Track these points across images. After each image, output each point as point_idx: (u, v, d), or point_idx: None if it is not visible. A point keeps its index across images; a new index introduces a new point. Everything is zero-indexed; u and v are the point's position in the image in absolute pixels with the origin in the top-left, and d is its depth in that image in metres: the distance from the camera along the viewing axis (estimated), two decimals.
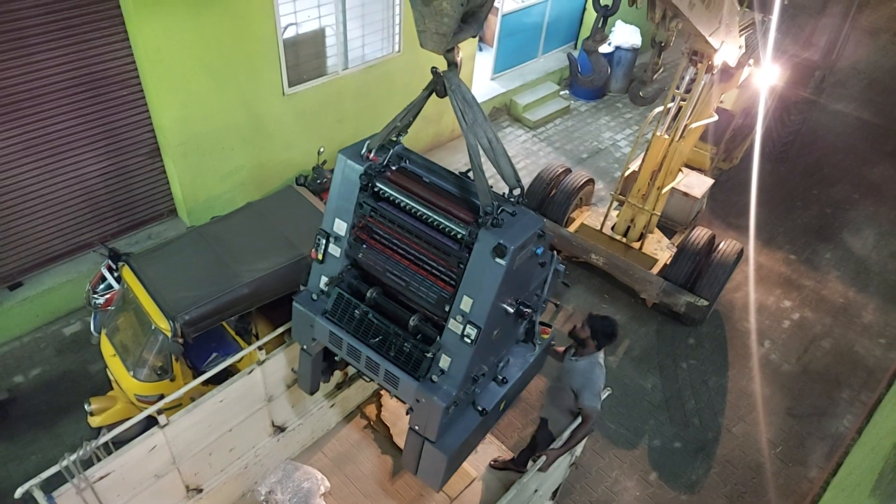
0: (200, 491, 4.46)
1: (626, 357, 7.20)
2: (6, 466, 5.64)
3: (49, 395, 6.21)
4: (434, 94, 3.20)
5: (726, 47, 6.35)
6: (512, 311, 3.26)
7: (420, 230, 3.31)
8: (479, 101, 3.07)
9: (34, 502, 3.44)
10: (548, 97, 10.92)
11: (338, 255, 3.61)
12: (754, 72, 7.82)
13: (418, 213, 3.28)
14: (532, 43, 11.13)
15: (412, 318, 3.40)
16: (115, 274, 6.29)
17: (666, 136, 7.26)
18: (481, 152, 3.03)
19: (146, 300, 5.05)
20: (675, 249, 7.67)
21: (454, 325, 3.21)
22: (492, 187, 3.17)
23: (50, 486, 3.53)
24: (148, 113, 6.66)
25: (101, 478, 3.67)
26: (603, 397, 4.44)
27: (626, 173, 8.06)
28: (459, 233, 3.14)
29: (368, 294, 3.54)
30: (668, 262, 7.60)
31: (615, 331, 4.53)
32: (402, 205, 3.32)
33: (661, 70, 6.15)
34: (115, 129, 6.52)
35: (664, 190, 7.51)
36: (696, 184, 8.37)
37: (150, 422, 4.01)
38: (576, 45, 11.91)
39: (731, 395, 6.92)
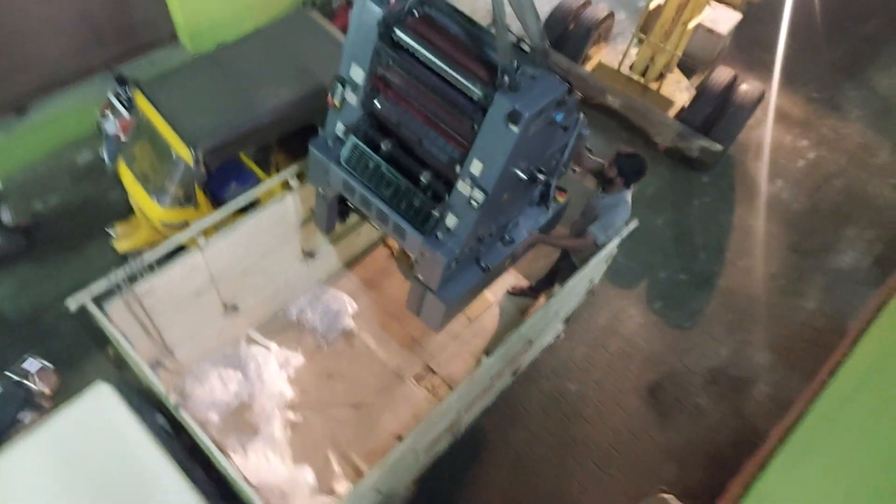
0: (237, 308, 4.70)
1: (639, 194, 7.23)
2: (41, 285, 5.87)
3: (72, 221, 6.30)
4: None
5: None
6: (525, 177, 3.17)
7: (436, 85, 3.13)
8: None
9: (83, 315, 3.60)
10: None
11: (354, 103, 3.48)
12: None
13: (436, 67, 3.08)
14: None
15: (423, 175, 3.36)
16: (124, 101, 6.12)
17: None
18: (506, 4, 2.77)
19: (164, 128, 4.94)
20: (693, 91, 7.42)
21: (462, 187, 3.16)
22: (519, 42, 2.94)
23: (101, 296, 3.69)
24: None
25: (147, 293, 3.83)
26: (620, 237, 4.46)
27: (651, 5, 7.54)
28: (475, 93, 2.97)
29: (383, 146, 3.47)
30: (685, 105, 7.38)
31: (644, 167, 4.50)
32: (419, 56, 3.12)
33: None
34: None
35: (691, 24, 7.08)
36: (723, 19, 7.81)
37: (180, 248, 4.11)
38: None
39: (739, 232, 7.09)
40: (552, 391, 5.75)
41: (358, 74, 3.36)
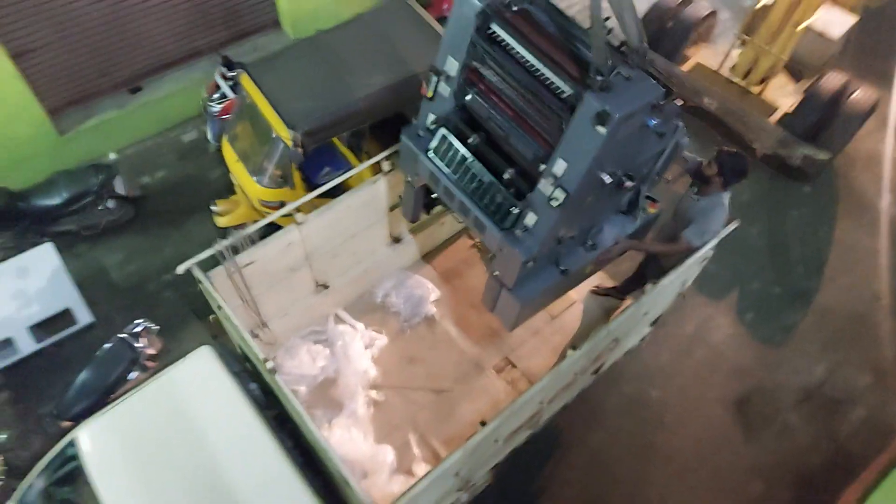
0: (327, 287, 4.83)
1: (733, 200, 6.95)
2: (144, 256, 6.22)
3: (175, 197, 6.64)
4: None
5: None
6: (610, 181, 3.08)
7: (528, 81, 3.11)
8: None
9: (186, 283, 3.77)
10: None
11: (447, 94, 3.50)
12: None
13: (528, 63, 3.05)
14: None
15: (508, 171, 3.33)
16: (230, 83, 6.39)
17: None
18: (604, 2, 2.71)
19: (267, 109, 5.13)
20: (800, 96, 7.04)
21: (544, 186, 3.12)
22: (620, 46, 2.87)
23: (202, 268, 3.84)
24: None
25: (247, 265, 3.99)
26: (719, 238, 4.29)
27: (759, 4, 7.21)
28: (566, 90, 2.91)
29: (471, 139, 3.47)
30: (789, 111, 7.02)
31: (746, 168, 4.32)
32: (513, 51, 3.10)
33: None
34: None
35: (801, 26, 6.72)
36: (836, 21, 7.36)
37: (274, 227, 4.25)
38: None
39: (841, 247, 6.70)
40: (633, 395, 5.61)
41: (453, 66, 3.39)
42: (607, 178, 3.08)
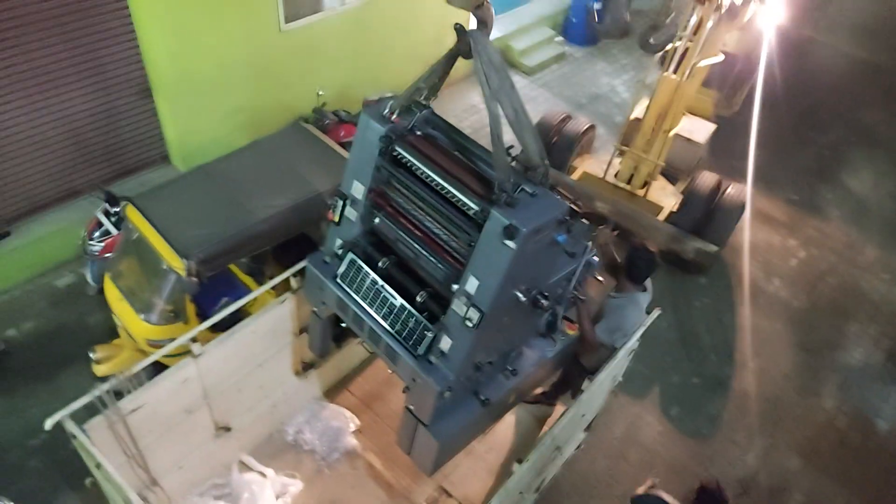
0: (229, 429, 4.26)
1: None
2: (6, 420, 5.34)
3: (46, 348, 5.88)
4: (459, 55, 2.95)
5: None
6: (524, 299, 3.04)
7: (434, 202, 3.11)
8: None
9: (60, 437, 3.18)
10: (543, 42, 10.65)
11: (354, 218, 3.44)
12: (758, 10, 7.69)
13: (434, 183, 3.08)
14: None
15: (420, 294, 3.23)
16: (113, 219, 5.96)
17: (674, 77, 7.11)
18: (503, 123, 2.79)
19: (156, 239, 4.75)
20: (680, 196, 7.59)
21: (458, 306, 3.01)
22: (514, 159, 2.97)
23: (76, 421, 3.27)
24: (138, 48, 6.23)
25: (133, 410, 3.43)
26: (638, 332, 4.20)
27: (631, 117, 7.91)
28: (472, 208, 2.93)
29: (381, 263, 3.38)
30: (673, 209, 7.52)
31: (652, 261, 4.34)
32: (418, 172, 3.13)
33: (672, 15, 5.97)
34: (104, 64, 6.09)
35: (671, 133, 7.38)
36: (699, 129, 8.25)
37: (159, 369, 3.77)
38: None
39: (744, 332, 6.93)
40: None
41: (359, 190, 3.35)
42: (521, 297, 3.02)
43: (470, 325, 2.96)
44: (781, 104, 10.23)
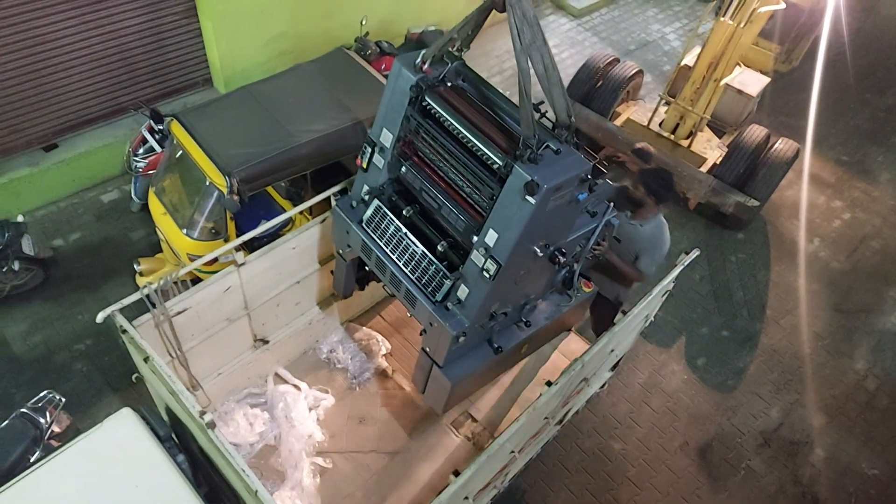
0: (267, 342, 4.40)
1: (673, 249, 7.06)
2: (53, 325, 5.58)
3: (91, 259, 6.08)
4: (494, 8, 2.86)
5: None
6: (541, 254, 3.08)
7: (459, 154, 3.14)
8: None
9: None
10: None
11: (381, 166, 3.47)
12: None
13: (460, 136, 3.09)
14: None
15: (441, 244, 3.30)
16: (158, 136, 6.04)
17: (730, 22, 6.82)
18: (533, 77, 2.73)
19: (199, 156, 4.82)
20: (725, 149, 7.38)
21: (476, 257, 3.08)
22: (542, 115, 2.94)
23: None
24: None
25: (179, 312, 3.56)
26: (683, 265, 4.17)
27: (681, 63, 7.65)
28: (496, 162, 2.93)
29: (405, 212, 3.43)
30: (717, 162, 7.33)
31: (671, 179, 4.33)
32: (446, 124, 3.14)
33: None
34: None
35: (721, 82, 7.12)
36: (752, 81, 7.92)
37: None
38: None
39: (779, 289, 6.84)
40: (594, 449, 5.33)
41: (387, 138, 3.38)
42: (538, 251, 3.06)
43: (487, 276, 3.04)
44: (840, 62, 9.82)
